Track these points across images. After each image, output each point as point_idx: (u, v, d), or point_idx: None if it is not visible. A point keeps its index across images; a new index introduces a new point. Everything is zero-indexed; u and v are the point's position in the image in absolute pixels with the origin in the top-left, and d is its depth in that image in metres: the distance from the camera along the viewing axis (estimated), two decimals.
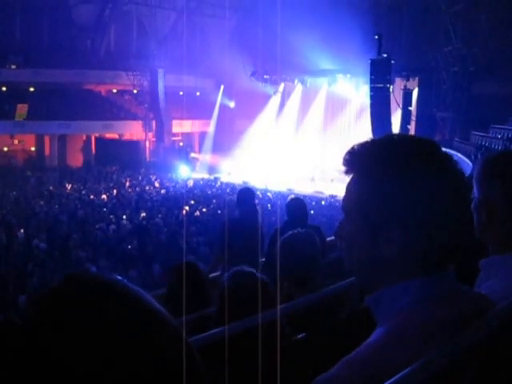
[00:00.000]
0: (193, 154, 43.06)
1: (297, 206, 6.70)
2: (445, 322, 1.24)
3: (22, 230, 20.79)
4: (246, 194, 7.43)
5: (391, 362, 1.16)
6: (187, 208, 26.34)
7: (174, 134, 44.06)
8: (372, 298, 1.34)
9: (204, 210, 26.22)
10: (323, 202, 29.46)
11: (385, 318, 1.29)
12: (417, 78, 35.48)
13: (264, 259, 7.08)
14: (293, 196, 9.45)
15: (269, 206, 27.46)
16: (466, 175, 1.33)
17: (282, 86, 44.31)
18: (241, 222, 7.14)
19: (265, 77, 41.92)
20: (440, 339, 1.19)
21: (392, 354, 1.18)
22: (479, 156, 22.21)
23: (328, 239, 6.64)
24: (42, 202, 27.54)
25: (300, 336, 3.14)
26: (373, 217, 1.29)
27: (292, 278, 3.90)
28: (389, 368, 1.13)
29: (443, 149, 1.35)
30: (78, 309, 0.84)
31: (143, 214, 24.63)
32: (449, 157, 1.31)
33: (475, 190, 1.98)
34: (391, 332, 1.24)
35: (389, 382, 1.09)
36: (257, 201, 8.08)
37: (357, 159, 1.32)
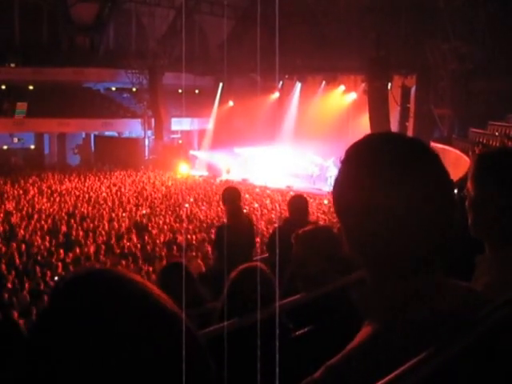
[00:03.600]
0: (192, 152, 43.08)
1: (298, 203, 6.70)
2: (432, 321, 1.22)
3: (23, 228, 20.83)
4: (231, 194, 7.38)
5: (377, 366, 1.14)
6: (186, 205, 26.40)
7: (173, 132, 44.02)
8: (358, 296, 1.35)
9: (203, 207, 26.28)
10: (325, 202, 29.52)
11: (371, 317, 1.29)
12: (415, 76, 35.52)
13: (267, 255, 7.15)
14: (292, 193, 9.46)
15: (268, 202, 27.53)
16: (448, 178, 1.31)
17: (280, 84, 44.36)
18: (230, 225, 7.10)
19: (263, 74, 41.92)
20: (427, 340, 1.17)
21: (378, 357, 1.18)
22: (477, 153, 22.28)
23: None
24: (42, 200, 27.59)
25: (301, 331, 3.20)
26: (348, 216, 1.31)
27: (308, 275, 4.00)
28: (375, 371, 1.11)
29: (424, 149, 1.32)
30: (94, 304, 0.89)
31: (143, 212, 24.71)
32: (423, 160, 1.28)
33: (471, 187, 1.97)
34: (377, 334, 1.23)
35: None
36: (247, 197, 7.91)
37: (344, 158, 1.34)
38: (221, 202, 26.49)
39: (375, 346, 1.21)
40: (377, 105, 33.30)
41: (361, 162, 1.30)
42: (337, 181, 1.34)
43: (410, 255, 1.26)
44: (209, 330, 2.91)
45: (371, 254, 1.29)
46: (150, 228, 21.49)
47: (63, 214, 23.53)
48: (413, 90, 35.62)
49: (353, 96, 40.20)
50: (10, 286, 13.75)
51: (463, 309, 1.27)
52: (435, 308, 1.24)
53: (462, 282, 1.41)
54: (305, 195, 8.33)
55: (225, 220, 9.28)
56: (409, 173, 1.25)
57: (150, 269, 15.68)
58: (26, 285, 13.93)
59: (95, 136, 44.95)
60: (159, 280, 4.80)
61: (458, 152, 24.68)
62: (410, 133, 29.91)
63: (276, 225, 16.00)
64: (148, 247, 18.43)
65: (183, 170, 38.52)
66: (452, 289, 1.32)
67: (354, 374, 1.17)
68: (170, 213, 24.66)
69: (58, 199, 27.90)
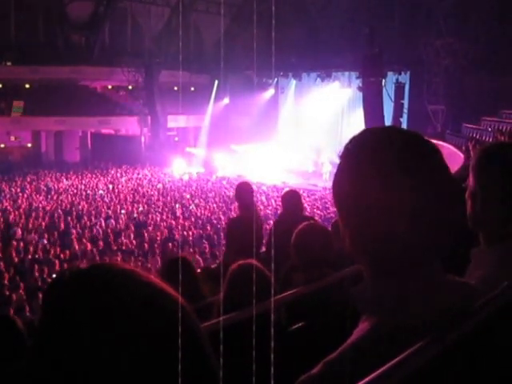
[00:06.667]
0: (188, 149, 43.09)
1: (292, 198, 6.68)
2: (430, 318, 1.21)
3: (21, 226, 20.91)
4: (243, 189, 7.16)
5: (376, 362, 1.12)
6: (183, 202, 26.48)
7: (169, 129, 44.06)
8: (356, 291, 1.33)
9: (200, 203, 26.38)
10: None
11: (368, 313, 1.27)
12: (408, 72, 35.67)
13: (265, 250, 7.27)
14: (287, 189, 9.46)
15: (264, 198, 27.62)
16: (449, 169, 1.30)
17: (275, 81, 44.42)
18: (242, 218, 6.92)
19: (258, 72, 41.97)
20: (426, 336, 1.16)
21: (376, 354, 1.16)
22: (470, 148, 22.45)
23: None
24: (39, 198, 27.66)
25: (296, 326, 3.22)
26: (349, 213, 1.29)
27: (306, 268, 4.04)
28: (373, 368, 1.10)
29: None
30: (105, 296, 0.91)
31: (140, 209, 24.80)
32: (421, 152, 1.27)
33: (471, 179, 1.97)
34: (375, 330, 1.21)
35: (368, 378, 1.08)
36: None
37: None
38: (217, 199, 26.83)
39: (374, 343, 1.19)
40: (371, 101, 33.47)
41: (361, 157, 1.27)
42: (336, 176, 1.31)
43: (412, 253, 1.24)
44: (205, 324, 2.86)
45: (372, 251, 1.27)
46: (146, 225, 21.57)
47: (60, 212, 23.58)
48: (407, 86, 35.76)
49: (347, 92, 40.29)
50: (7, 283, 13.74)
51: (463, 307, 1.26)
52: (435, 306, 1.24)
53: (459, 277, 1.41)
54: (300, 191, 8.38)
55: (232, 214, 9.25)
56: (411, 169, 1.22)
57: (148, 265, 15.72)
58: (23, 282, 13.86)
59: (92, 134, 44.97)
60: (162, 274, 4.90)
61: (451, 147, 24.80)
62: None
63: (271, 221, 16.07)
64: (145, 244, 18.52)
65: (180, 166, 38.53)
66: (452, 286, 1.30)
67: (352, 370, 1.14)
68: (166, 210, 24.76)
69: (55, 197, 27.95)
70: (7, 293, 12.93)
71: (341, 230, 1.32)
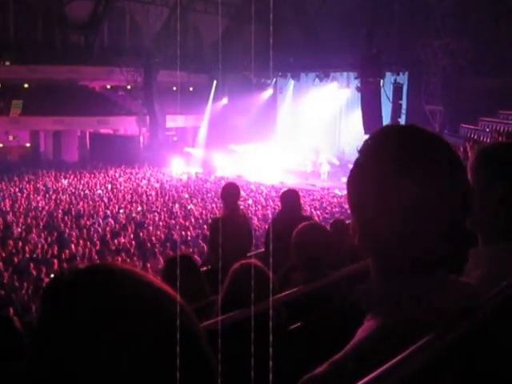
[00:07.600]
0: (187, 149, 43.06)
1: (290, 197, 6.75)
2: (431, 318, 1.21)
3: (19, 226, 20.91)
4: (229, 189, 7.28)
5: (382, 362, 1.11)
6: (182, 202, 26.47)
7: (168, 129, 44.04)
8: (362, 290, 1.34)
9: (199, 203, 26.35)
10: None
11: (374, 312, 1.27)
12: (407, 72, 35.68)
13: (263, 250, 7.29)
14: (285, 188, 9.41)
15: (262, 199, 27.62)
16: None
17: (274, 82, 44.42)
18: (227, 218, 7.03)
19: (257, 72, 41.96)
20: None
21: (382, 354, 1.15)
22: (468, 148, 22.48)
23: None
24: (38, 198, 27.62)
25: (295, 326, 3.25)
26: (360, 211, 1.30)
27: (305, 267, 4.07)
28: (379, 367, 1.10)
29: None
30: (106, 295, 0.91)
31: (138, 209, 24.78)
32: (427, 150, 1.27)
33: (470, 179, 1.84)
34: (380, 330, 1.22)
35: (368, 378, 1.08)
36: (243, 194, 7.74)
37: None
38: (216, 199, 26.82)
39: (379, 343, 1.20)
40: (369, 101, 33.49)
41: (366, 156, 1.28)
42: (352, 171, 1.31)
43: (412, 254, 1.24)
44: (205, 323, 2.91)
45: (375, 250, 1.29)
46: (145, 225, 21.56)
47: (59, 212, 23.55)
48: (405, 86, 35.76)
49: (345, 93, 40.28)
50: (6, 282, 13.78)
51: (466, 307, 1.27)
52: (436, 306, 1.24)
53: (461, 277, 1.43)
54: (299, 191, 8.39)
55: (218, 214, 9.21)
56: (426, 170, 1.23)
57: (147, 265, 15.69)
58: (23, 282, 13.85)
59: (91, 133, 44.92)
60: (165, 271, 4.86)
61: None
62: None
63: (270, 221, 16.02)
64: (144, 244, 18.51)
65: (178, 166, 38.49)
66: (455, 287, 1.31)
67: (357, 370, 1.13)
68: (165, 209, 24.74)
69: (53, 197, 27.92)
70: (7, 292, 12.94)
71: (351, 229, 1.33)
